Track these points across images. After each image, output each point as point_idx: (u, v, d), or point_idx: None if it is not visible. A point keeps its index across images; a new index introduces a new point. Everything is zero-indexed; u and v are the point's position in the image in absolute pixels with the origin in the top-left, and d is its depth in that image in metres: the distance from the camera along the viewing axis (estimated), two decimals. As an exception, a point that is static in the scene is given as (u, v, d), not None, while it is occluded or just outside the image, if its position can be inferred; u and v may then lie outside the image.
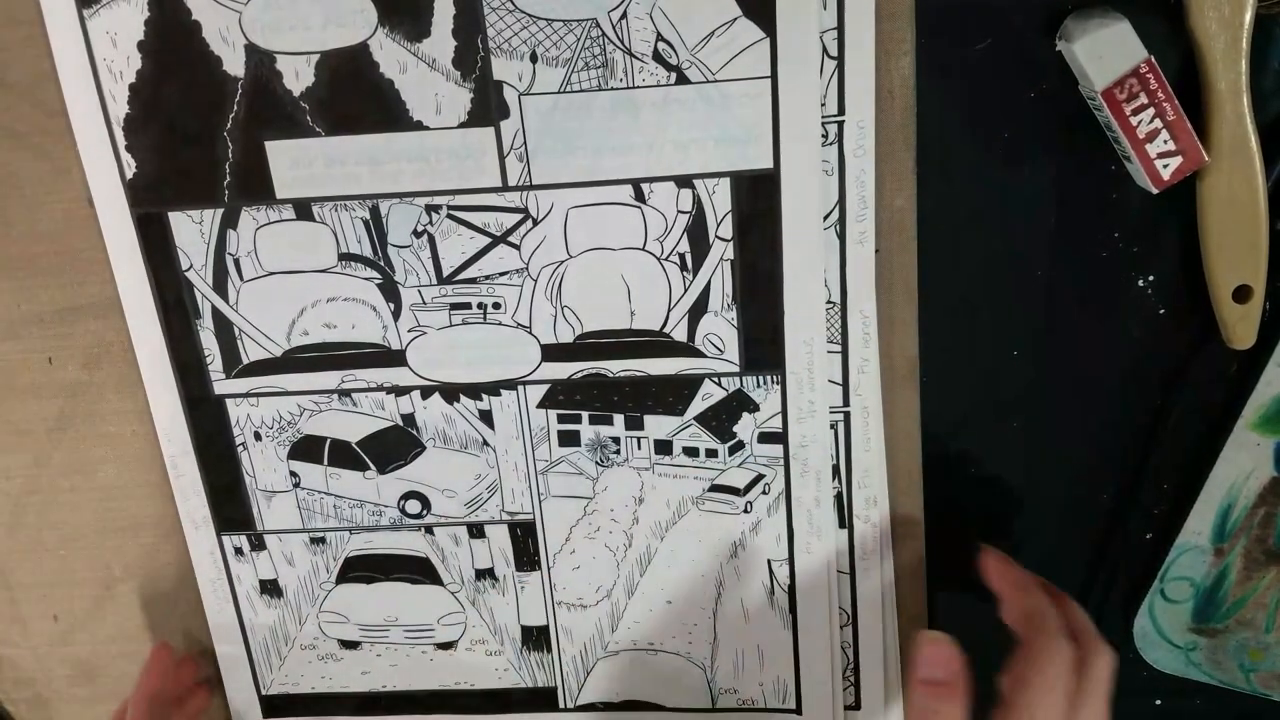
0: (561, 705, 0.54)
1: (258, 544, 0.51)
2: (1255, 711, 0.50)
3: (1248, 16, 0.38)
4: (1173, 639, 0.48)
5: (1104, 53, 0.38)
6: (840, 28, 0.40)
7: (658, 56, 0.41)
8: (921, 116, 0.42)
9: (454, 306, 0.46)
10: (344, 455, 0.49)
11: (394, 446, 0.49)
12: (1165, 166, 0.39)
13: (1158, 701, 0.51)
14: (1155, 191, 0.40)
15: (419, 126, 0.43)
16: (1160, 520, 0.47)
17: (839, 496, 0.48)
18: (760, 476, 0.48)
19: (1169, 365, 0.45)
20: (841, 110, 0.42)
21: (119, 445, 0.50)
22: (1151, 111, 0.38)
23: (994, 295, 0.44)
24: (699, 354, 0.46)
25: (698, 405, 0.47)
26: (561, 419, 0.48)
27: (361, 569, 0.52)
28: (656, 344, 0.46)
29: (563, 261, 0.45)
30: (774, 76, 0.41)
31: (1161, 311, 0.44)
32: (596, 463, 0.49)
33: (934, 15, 0.40)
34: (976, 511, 0.49)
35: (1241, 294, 0.41)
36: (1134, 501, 0.47)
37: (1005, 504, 0.48)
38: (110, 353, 0.48)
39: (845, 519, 0.48)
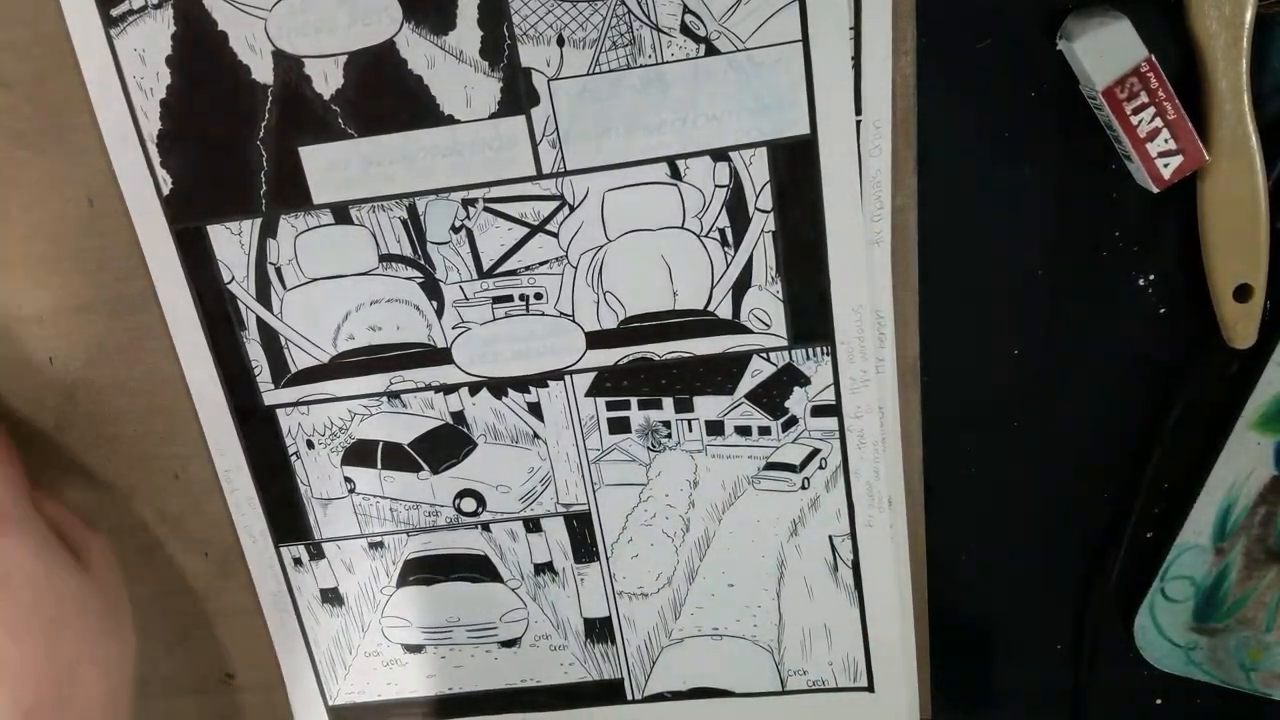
0: (629, 697, 0.53)
1: (316, 553, 0.51)
2: (1256, 711, 0.50)
3: (1248, 15, 0.37)
4: (1173, 638, 0.48)
5: (1104, 52, 0.38)
6: (857, 28, 0.40)
7: (685, 29, 0.41)
8: (921, 116, 0.42)
9: (496, 300, 0.46)
10: (397, 457, 0.49)
11: (446, 445, 0.49)
12: (1165, 166, 0.39)
13: (1158, 701, 0.51)
14: (1155, 191, 0.39)
15: (450, 120, 0.43)
16: (1160, 520, 0.47)
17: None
18: (816, 451, 0.47)
19: (1169, 365, 0.44)
20: (858, 110, 0.41)
21: (119, 445, 0.50)
22: (1152, 110, 0.38)
23: (994, 295, 0.44)
24: (745, 330, 0.45)
25: (747, 383, 0.47)
26: (610, 406, 0.48)
27: (421, 571, 0.51)
28: (701, 323, 0.46)
29: (602, 246, 0.44)
30: (805, 39, 0.40)
31: (1161, 311, 0.44)
32: (648, 448, 0.48)
33: (934, 15, 0.40)
34: (976, 511, 0.49)
35: (1242, 293, 0.41)
36: (1134, 501, 0.47)
37: (1005, 503, 0.48)
38: (110, 353, 0.48)
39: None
